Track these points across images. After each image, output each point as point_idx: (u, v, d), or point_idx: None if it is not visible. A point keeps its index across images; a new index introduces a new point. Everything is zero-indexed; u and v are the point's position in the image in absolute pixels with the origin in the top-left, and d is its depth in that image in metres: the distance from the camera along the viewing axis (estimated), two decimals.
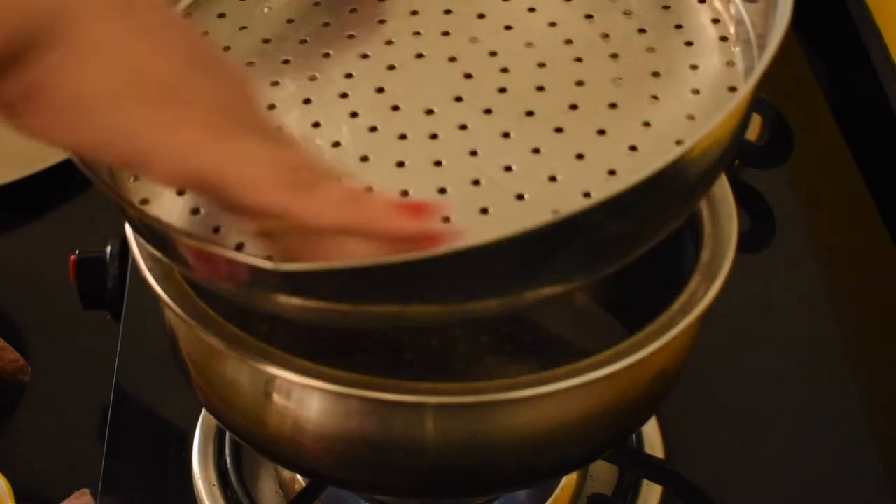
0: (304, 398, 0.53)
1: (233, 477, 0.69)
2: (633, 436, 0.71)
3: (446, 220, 0.49)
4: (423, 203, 0.46)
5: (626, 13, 0.58)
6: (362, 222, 0.44)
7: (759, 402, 0.76)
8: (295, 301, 0.48)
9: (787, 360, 0.78)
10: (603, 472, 0.71)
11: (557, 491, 0.69)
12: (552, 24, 0.57)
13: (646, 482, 0.70)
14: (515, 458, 0.55)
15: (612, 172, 0.51)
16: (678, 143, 0.52)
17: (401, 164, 0.52)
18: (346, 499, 0.68)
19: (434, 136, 0.53)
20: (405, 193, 0.51)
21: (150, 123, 0.43)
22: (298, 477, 0.69)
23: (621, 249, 0.50)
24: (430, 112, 0.54)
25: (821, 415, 0.75)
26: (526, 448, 0.55)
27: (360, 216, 0.43)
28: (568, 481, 0.69)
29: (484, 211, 0.50)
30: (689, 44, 0.56)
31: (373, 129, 0.54)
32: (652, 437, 0.72)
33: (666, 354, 0.55)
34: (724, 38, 0.56)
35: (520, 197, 0.51)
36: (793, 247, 0.85)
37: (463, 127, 0.53)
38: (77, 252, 0.78)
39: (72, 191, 0.91)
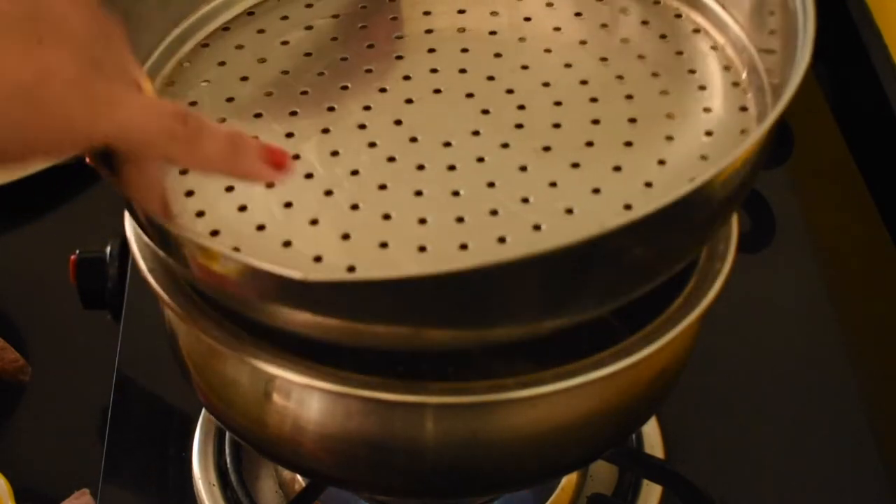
0: (304, 398, 0.53)
1: (233, 477, 0.69)
2: (633, 436, 0.71)
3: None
4: (285, 156, 0.50)
5: (640, 57, 0.59)
6: (237, 172, 0.49)
7: (759, 402, 0.75)
8: (307, 316, 0.49)
9: (787, 360, 0.78)
10: (603, 472, 0.71)
11: (557, 491, 0.69)
12: (567, 66, 0.59)
13: (646, 482, 0.70)
14: (515, 458, 0.55)
15: (627, 207, 0.52)
16: (692, 181, 0.53)
17: (419, 193, 0.53)
18: (346, 499, 0.68)
19: (452, 168, 0.54)
20: (423, 221, 0.52)
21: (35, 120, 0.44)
22: (298, 477, 0.69)
23: (641, 277, 0.51)
24: (447, 144, 0.55)
25: (821, 415, 0.75)
26: (526, 448, 0.55)
27: (237, 167, 0.49)
28: (568, 481, 0.69)
29: (501, 240, 0.51)
30: (702, 88, 0.57)
31: (391, 158, 0.54)
32: (652, 437, 0.72)
33: (666, 354, 0.55)
34: (735, 84, 0.58)
35: (537, 228, 0.51)
36: (793, 247, 0.85)
37: (480, 160, 0.54)
38: (77, 252, 0.78)
39: (72, 191, 0.91)
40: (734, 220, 0.58)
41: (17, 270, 0.87)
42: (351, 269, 0.50)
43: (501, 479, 0.57)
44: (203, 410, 0.71)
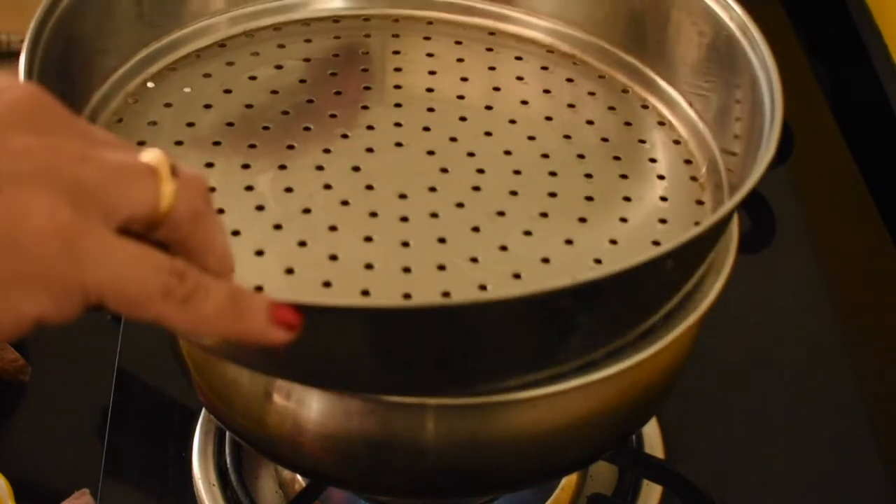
0: (304, 398, 0.53)
1: (233, 477, 0.69)
2: (633, 436, 0.71)
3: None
4: (297, 314, 0.43)
5: (603, 140, 0.60)
6: (237, 333, 0.43)
7: (759, 402, 0.75)
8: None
9: (787, 360, 0.78)
10: (603, 472, 0.71)
11: (557, 491, 0.69)
12: (531, 138, 0.59)
13: (646, 482, 0.70)
14: (515, 458, 0.55)
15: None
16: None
17: (368, 239, 0.53)
18: (346, 499, 0.68)
19: (405, 219, 0.54)
20: (369, 267, 0.52)
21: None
22: (298, 477, 0.69)
23: (585, 343, 0.51)
24: (403, 196, 0.55)
25: (821, 415, 0.75)
26: (526, 448, 0.55)
27: (238, 327, 0.42)
28: (568, 481, 0.69)
29: (446, 294, 0.51)
30: (661, 177, 0.59)
31: (345, 202, 0.55)
32: (652, 437, 0.72)
33: (666, 356, 0.55)
34: (694, 178, 0.59)
35: (482, 287, 0.52)
36: (793, 247, 0.85)
37: (434, 215, 0.55)
38: None
39: None
40: (734, 221, 0.58)
41: None
42: None
43: (501, 479, 0.57)
44: (203, 410, 0.71)
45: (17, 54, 0.99)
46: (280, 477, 0.70)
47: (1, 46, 0.95)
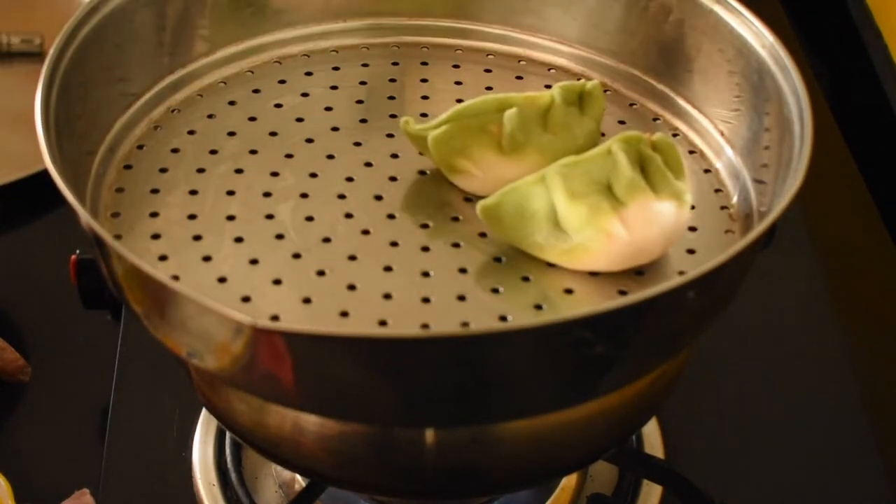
0: None
1: (233, 477, 0.69)
2: (633, 436, 0.71)
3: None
4: None
5: None
6: None
7: (759, 403, 0.75)
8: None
9: (787, 360, 0.78)
10: (603, 472, 0.71)
11: (557, 491, 0.69)
12: None
13: (646, 482, 0.70)
14: (515, 458, 0.55)
15: None
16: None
17: (388, 269, 0.53)
18: (346, 499, 0.68)
19: (426, 249, 0.54)
20: (388, 297, 0.52)
21: None
22: (298, 477, 0.69)
23: (600, 379, 0.51)
24: (425, 226, 0.55)
25: (821, 415, 0.75)
26: (526, 448, 0.55)
27: None
28: (568, 481, 0.69)
29: (464, 325, 0.51)
30: (691, 207, 0.57)
31: (366, 231, 0.55)
32: (652, 437, 0.72)
33: None
34: (724, 207, 0.58)
35: (503, 318, 0.51)
36: (793, 247, 0.85)
37: (456, 245, 0.54)
38: (77, 252, 0.77)
39: None
40: None
41: (17, 270, 0.86)
42: None
43: (501, 479, 0.57)
44: (203, 410, 0.71)
45: (18, 54, 0.99)
46: (280, 477, 0.70)
47: (1, 47, 0.95)
